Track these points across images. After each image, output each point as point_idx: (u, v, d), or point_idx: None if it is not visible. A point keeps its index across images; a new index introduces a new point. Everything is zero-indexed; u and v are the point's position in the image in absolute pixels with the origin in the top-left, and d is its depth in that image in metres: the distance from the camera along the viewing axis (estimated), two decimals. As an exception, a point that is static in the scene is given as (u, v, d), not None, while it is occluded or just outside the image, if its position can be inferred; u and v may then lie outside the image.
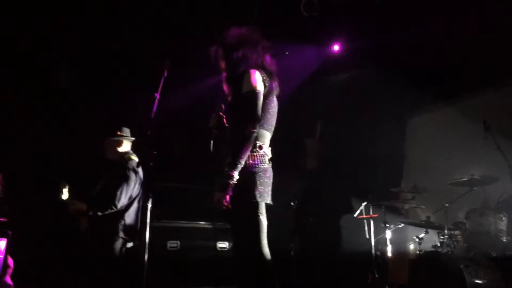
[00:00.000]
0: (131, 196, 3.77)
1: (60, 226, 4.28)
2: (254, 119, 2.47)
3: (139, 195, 3.83)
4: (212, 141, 2.75)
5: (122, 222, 3.70)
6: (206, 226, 4.85)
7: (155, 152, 2.60)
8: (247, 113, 2.49)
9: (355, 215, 5.06)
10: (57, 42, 4.80)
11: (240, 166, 2.41)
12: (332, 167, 4.96)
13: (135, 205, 3.80)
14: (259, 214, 2.45)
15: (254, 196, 2.44)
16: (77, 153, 4.83)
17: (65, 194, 3.76)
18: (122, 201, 3.69)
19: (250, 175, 2.47)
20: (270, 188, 2.55)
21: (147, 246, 2.49)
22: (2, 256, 3.10)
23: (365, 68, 5.63)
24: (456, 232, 4.33)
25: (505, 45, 4.55)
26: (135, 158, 3.91)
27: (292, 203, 4.94)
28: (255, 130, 2.46)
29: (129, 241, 3.70)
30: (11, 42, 4.59)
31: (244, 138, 2.44)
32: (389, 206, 5.00)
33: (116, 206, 3.66)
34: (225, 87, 2.77)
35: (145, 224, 2.51)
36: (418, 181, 4.88)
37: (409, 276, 4.23)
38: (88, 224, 3.79)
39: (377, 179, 5.35)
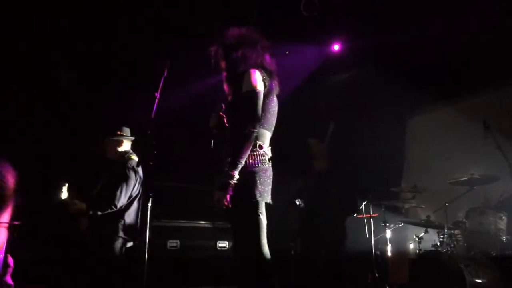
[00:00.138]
0: (131, 196, 3.77)
1: (60, 225, 4.28)
2: (254, 119, 2.48)
3: (139, 195, 3.83)
4: (212, 141, 2.75)
5: (122, 221, 3.70)
6: (206, 225, 4.85)
7: (155, 152, 2.60)
8: (247, 113, 2.49)
9: (355, 214, 5.07)
10: (57, 42, 4.80)
11: (240, 166, 2.41)
12: (340, 168, 4.96)
13: (135, 205, 3.80)
14: (259, 214, 2.45)
15: (254, 196, 2.44)
16: (77, 153, 4.83)
17: (64, 194, 3.76)
18: (122, 200, 3.69)
19: (250, 175, 2.47)
20: (270, 187, 2.56)
21: (147, 245, 2.49)
22: (2, 255, 3.10)
23: (365, 68, 5.63)
24: (456, 232, 4.33)
25: (505, 45, 4.55)
26: (135, 158, 3.91)
27: (297, 203, 4.93)
28: (255, 130, 2.46)
29: (129, 241, 3.70)
30: (11, 42, 4.59)
31: (244, 138, 2.44)
32: (389, 206, 5.00)
33: (115, 206, 3.65)
34: (225, 87, 2.77)
35: (145, 223, 2.51)
36: (418, 181, 4.89)
37: (409, 275, 4.24)
38: (88, 223, 3.79)
39: (377, 179, 5.35)
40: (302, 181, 5.20)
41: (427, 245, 4.47)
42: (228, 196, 2.38)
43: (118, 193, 3.66)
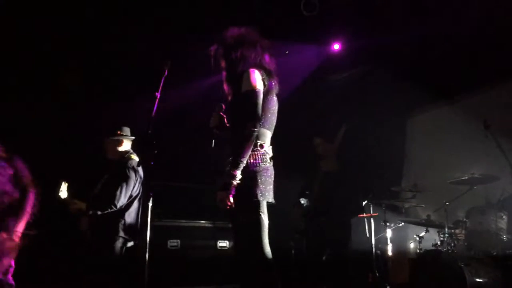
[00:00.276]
0: (131, 196, 3.77)
1: (61, 225, 4.28)
2: (255, 118, 2.48)
3: (139, 194, 3.83)
4: (213, 141, 2.76)
5: (123, 221, 3.70)
6: (207, 225, 4.86)
7: (155, 151, 2.60)
8: (247, 112, 2.49)
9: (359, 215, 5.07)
10: (58, 42, 4.80)
11: (242, 165, 2.41)
12: (348, 169, 4.97)
13: (135, 205, 3.80)
14: (261, 213, 2.45)
15: (255, 195, 2.44)
16: (78, 153, 4.83)
17: (64, 193, 3.76)
18: (122, 200, 3.69)
19: (251, 174, 2.47)
20: (271, 186, 2.56)
21: (147, 245, 2.49)
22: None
23: (365, 67, 5.63)
24: (457, 231, 4.32)
25: (506, 44, 4.55)
26: (135, 158, 3.91)
27: (302, 202, 4.94)
28: (256, 129, 2.46)
29: (130, 241, 3.70)
30: (11, 42, 4.59)
31: (245, 137, 2.44)
32: (390, 205, 5.00)
33: (115, 206, 3.65)
34: (225, 87, 2.77)
35: (146, 223, 2.51)
36: (418, 180, 4.88)
37: (409, 275, 4.24)
38: (88, 223, 3.79)
39: (378, 178, 5.35)
40: (306, 180, 5.20)
41: (427, 245, 4.46)
42: (231, 196, 2.39)
43: (118, 193, 3.66)
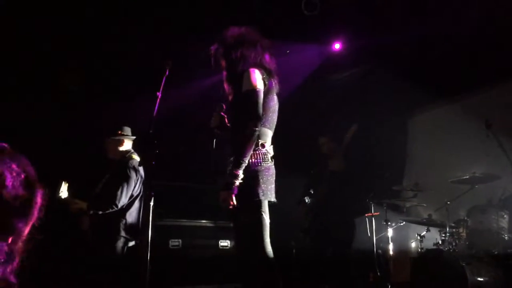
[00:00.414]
0: (132, 195, 3.77)
1: (62, 225, 4.28)
2: (256, 118, 2.48)
3: (140, 194, 3.83)
4: (214, 140, 2.76)
5: (124, 221, 3.70)
6: (208, 224, 4.86)
7: (157, 151, 2.60)
8: (248, 112, 2.49)
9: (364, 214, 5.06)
10: (58, 42, 4.80)
11: (244, 165, 2.41)
12: (355, 169, 4.96)
13: (136, 204, 3.80)
14: (262, 213, 2.45)
15: (257, 194, 2.44)
16: (78, 152, 4.83)
17: (64, 193, 3.76)
18: (123, 200, 3.69)
19: (252, 174, 2.47)
20: (273, 186, 2.56)
21: (149, 245, 2.49)
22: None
23: (367, 67, 5.62)
24: (458, 230, 4.32)
25: (506, 44, 4.54)
26: (136, 157, 3.90)
27: (306, 200, 4.94)
28: (257, 129, 2.46)
29: (131, 240, 3.70)
30: (11, 42, 4.59)
31: (247, 137, 2.44)
32: (391, 204, 5.00)
33: (116, 206, 3.65)
34: (225, 86, 2.77)
35: (147, 223, 2.51)
36: (419, 179, 4.88)
37: (411, 274, 4.24)
38: (89, 223, 3.79)
39: (379, 177, 5.34)
40: (309, 179, 5.19)
41: (428, 244, 4.46)
42: (233, 196, 2.39)
43: (118, 192, 3.66)
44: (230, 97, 2.73)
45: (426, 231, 4.58)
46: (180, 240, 4.58)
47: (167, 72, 2.79)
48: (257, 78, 2.55)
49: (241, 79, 2.57)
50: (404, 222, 4.95)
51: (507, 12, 4.33)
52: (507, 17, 4.36)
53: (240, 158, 2.41)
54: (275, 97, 2.70)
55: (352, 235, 4.83)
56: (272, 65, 2.74)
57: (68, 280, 3.75)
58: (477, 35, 4.65)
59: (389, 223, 4.87)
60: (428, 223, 4.53)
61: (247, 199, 2.44)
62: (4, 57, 4.49)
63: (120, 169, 3.82)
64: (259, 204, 2.45)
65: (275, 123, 2.69)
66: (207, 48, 2.82)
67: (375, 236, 4.86)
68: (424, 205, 4.94)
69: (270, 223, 2.49)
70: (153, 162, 2.60)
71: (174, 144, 4.96)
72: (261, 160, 2.52)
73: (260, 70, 2.61)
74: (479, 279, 3.67)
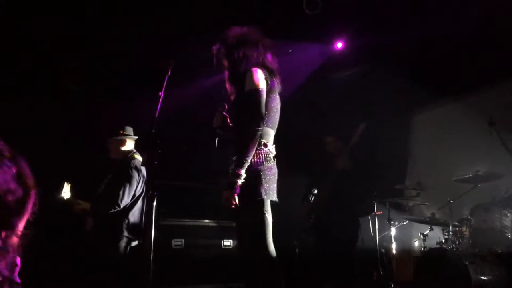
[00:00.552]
0: (134, 195, 3.77)
1: (65, 225, 4.28)
2: (258, 117, 2.48)
3: (143, 194, 3.83)
4: (216, 140, 2.76)
5: (126, 221, 3.70)
6: (211, 224, 4.86)
7: (159, 151, 2.60)
8: (251, 111, 2.49)
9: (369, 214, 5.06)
10: (58, 42, 4.80)
11: (246, 164, 2.42)
12: (361, 168, 4.95)
13: (139, 204, 3.80)
14: (265, 212, 2.45)
15: (259, 194, 2.44)
16: (79, 153, 4.83)
17: (66, 194, 3.76)
18: (125, 200, 3.69)
19: (255, 173, 2.47)
20: (275, 185, 2.56)
21: (152, 244, 2.49)
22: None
23: (369, 66, 5.61)
24: (461, 229, 4.32)
25: (506, 44, 4.53)
26: (138, 157, 3.90)
27: (310, 199, 4.93)
28: (259, 128, 2.46)
29: (134, 240, 3.70)
30: (11, 42, 4.59)
31: (249, 136, 2.44)
32: (394, 203, 5.00)
33: (119, 206, 3.65)
34: (228, 86, 2.77)
35: (150, 222, 2.51)
36: (422, 178, 4.88)
37: (414, 273, 4.23)
38: (92, 223, 3.80)
39: (382, 177, 5.34)
40: (313, 177, 5.18)
41: (432, 243, 4.46)
42: (236, 195, 2.38)
43: (121, 192, 3.66)
44: (232, 97, 2.73)
45: (429, 230, 4.57)
46: (183, 240, 4.59)
47: (169, 72, 2.79)
48: (260, 77, 2.55)
49: (243, 79, 2.57)
50: (407, 221, 4.95)
51: (507, 12, 4.31)
52: (507, 17, 4.34)
53: (242, 158, 2.41)
54: (277, 97, 2.70)
55: (357, 234, 4.82)
56: (274, 65, 2.74)
57: (72, 280, 3.76)
58: (477, 35, 4.64)
59: (392, 222, 4.87)
60: (431, 222, 4.52)
61: (249, 198, 2.44)
62: (4, 57, 4.49)
63: (122, 169, 3.81)
64: (261, 203, 2.45)
65: (277, 122, 2.69)
66: (208, 48, 2.82)
67: (378, 235, 4.86)
68: (427, 204, 4.93)
69: (273, 223, 2.50)
70: (156, 162, 2.59)
71: (177, 144, 4.96)
72: (264, 160, 2.52)
73: (262, 69, 2.61)
74: (482, 278, 3.67)
